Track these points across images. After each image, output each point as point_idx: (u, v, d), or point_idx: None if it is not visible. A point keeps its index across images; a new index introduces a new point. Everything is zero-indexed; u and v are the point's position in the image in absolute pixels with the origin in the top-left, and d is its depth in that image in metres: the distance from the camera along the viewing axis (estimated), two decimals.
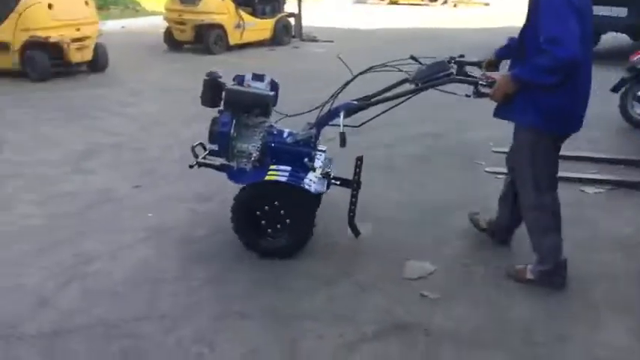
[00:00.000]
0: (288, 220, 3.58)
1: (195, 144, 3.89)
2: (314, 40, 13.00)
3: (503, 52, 3.63)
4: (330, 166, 3.89)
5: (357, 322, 3.12)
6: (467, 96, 3.35)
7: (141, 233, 4.03)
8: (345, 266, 3.66)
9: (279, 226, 3.61)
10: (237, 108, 3.69)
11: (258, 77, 3.82)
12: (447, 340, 3.00)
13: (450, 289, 3.44)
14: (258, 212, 3.59)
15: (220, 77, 3.73)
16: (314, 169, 3.66)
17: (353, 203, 3.71)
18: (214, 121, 3.71)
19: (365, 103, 3.62)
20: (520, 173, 3.42)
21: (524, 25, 3.21)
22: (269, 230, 3.63)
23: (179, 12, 11.70)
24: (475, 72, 3.53)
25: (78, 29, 8.99)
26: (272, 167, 3.58)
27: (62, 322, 3.08)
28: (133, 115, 6.98)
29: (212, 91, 3.73)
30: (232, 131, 3.67)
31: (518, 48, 3.30)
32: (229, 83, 3.79)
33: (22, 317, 3.11)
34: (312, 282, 3.49)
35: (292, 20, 13.41)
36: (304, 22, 13.63)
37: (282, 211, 3.58)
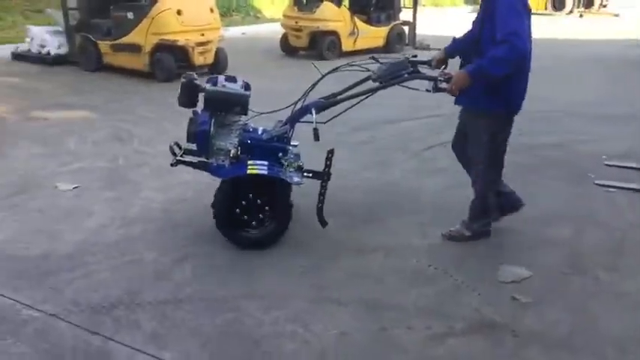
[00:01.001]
0: (268, 212, 3.84)
1: (171, 143, 4.06)
2: (426, 48, 13.03)
3: (451, 50, 3.96)
4: (299, 160, 3.97)
5: (446, 317, 3.21)
6: (427, 91, 3.54)
7: None
8: (444, 264, 3.76)
9: (258, 218, 3.84)
10: (216, 107, 3.86)
11: (231, 78, 4.01)
12: (535, 342, 3.02)
13: (543, 295, 3.44)
14: (240, 204, 3.79)
15: (196, 79, 3.88)
16: (289, 164, 3.84)
17: (322, 194, 3.86)
18: (191, 120, 3.89)
19: (332, 100, 3.85)
20: (477, 156, 3.83)
21: (479, 27, 3.57)
22: (252, 222, 3.85)
23: (296, 19, 12.18)
24: (427, 70, 3.86)
25: (202, 34, 9.60)
26: (249, 162, 3.74)
27: (175, 293, 3.43)
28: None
29: (189, 93, 3.86)
30: (211, 130, 3.84)
31: (473, 48, 3.63)
32: (204, 85, 3.93)
33: (141, 287, 3.49)
34: (408, 278, 3.62)
35: (407, 28, 13.53)
36: (421, 31, 13.68)
37: (262, 203, 3.82)
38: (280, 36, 12.75)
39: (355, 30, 12.17)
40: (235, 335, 3.06)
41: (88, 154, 5.92)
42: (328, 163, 3.86)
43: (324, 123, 3.76)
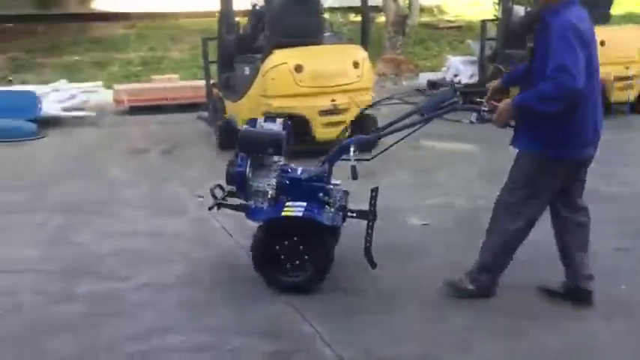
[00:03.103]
0: (306, 256, 3.64)
1: (213, 186, 4.04)
2: None
3: (509, 79, 3.72)
4: (346, 199, 3.90)
5: None
6: (471, 122, 3.42)
7: None
8: None
9: (297, 262, 3.66)
10: (249, 148, 3.84)
11: (271, 119, 4.04)
12: None
13: None
14: (277, 247, 3.64)
15: (234, 122, 3.84)
16: (329, 204, 3.72)
17: (369, 234, 3.69)
18: (230, 162, 3.86)
19: (375, 135, 3.73)
20: (514, 191, 3.43)
21: (532, 57, 3.31)
22: (288, 266, 3.68)
23: None
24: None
25: (627, 67, 8.42)
26: (288, 204, 3.67)
27: None
28: None
29: (227, 135, 3.86)
30: (247, 171, 3.79)
31: (525, 77, 3.39)
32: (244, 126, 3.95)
33: None
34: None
35: None
36: None
37: (300, 247, 3.64)
38: None
39: None
40: None
41: (453, 189, 5.72)
42: (373, 202, 3.69)
43: (369, 160, 3.71)
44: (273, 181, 3.81)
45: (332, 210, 3.72)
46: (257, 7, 7.67)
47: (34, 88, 9.50)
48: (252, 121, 4.01)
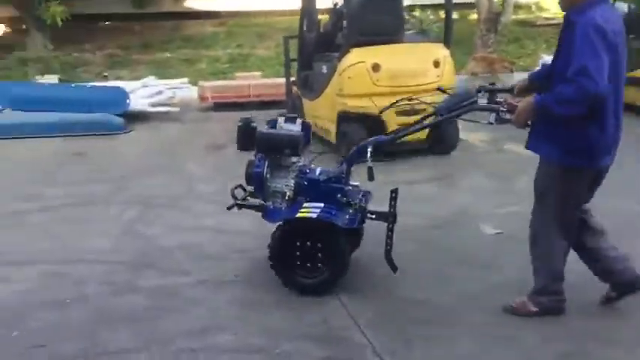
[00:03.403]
0: (321, 256, 3.61)
1: (234, 186, 3.98)
2: None
3: (536, 78, 3.49)
4: (366, 200, 3.80)
5: None
6: (489, 123, 3.25)
7: None
8: None
9: (312, 263, 3.62)
10: (266, 149, 3.82)
11: (291, 119, 3.96)
12: None
13: None
14: (292, 248, 3.62)
15: (253, 122, 3.69)
16: (349, 205, 3.65)
17: (389, 237, 3.61)
18: (249, 163, 3.85)
19: (393, 137, 3.66)
20: (543, 201, 3.30)
21: (555, 56, 3.15)
22: (303, 267, 3.64)
23: None
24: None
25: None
26: (305, 204, 3.64)
27: None
28: None
29: (245, 136, 3.75)
30: (265, 172, 3.77)
31: (547, 77, 3.23)
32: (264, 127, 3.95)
33: None
34: None
35: None
36: None
37: (315, 248, 3.61)
38: None
39: None
40: None
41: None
42: (393, 203, 3.62)
43: (387, 160, 3.71)
44: (292, 182, 3.81)
45: (350, 211, 3.65)
46: (338, 5, 7.64)
47: (125, 84, 9.94)
48: (273, 122, 4.01)
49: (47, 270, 4.19)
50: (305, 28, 8.07)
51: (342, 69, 6.79)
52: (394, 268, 3.65)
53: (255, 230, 4.44)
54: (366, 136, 7.05)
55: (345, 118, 6.80)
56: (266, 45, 14.82)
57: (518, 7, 16.45)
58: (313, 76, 7.71)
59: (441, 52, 7.10)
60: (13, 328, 3.46)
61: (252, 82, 10.50)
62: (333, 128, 6.94)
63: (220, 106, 9.94)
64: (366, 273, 3.98)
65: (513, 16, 15.66)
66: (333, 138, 6.99)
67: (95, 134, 8.22)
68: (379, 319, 3.46)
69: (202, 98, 10.14)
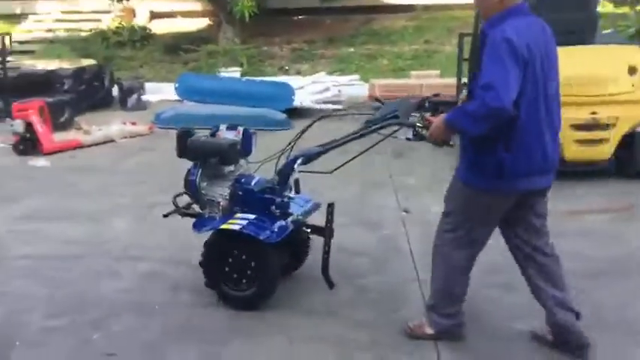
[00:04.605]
0: (249, 271, 3.48)
1: (178, 193, 3.93)
2: None
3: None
4: (309, 213, 3.68)
5: None
6: (407, 139, 3.21)
7: None
8: None
9: (241, 276, 3.51)
10: (196, 157, 3.76)
11: (232, 127, 3.87)
12: None
13: None
14: (221, 261, 3.53)
15: (189, 130, 3.82)
16: (286, 216, 3.48)
17: (326, 252, 3.54)
18: (188, 171, 3.80)
19: (324, 148, 3.55)
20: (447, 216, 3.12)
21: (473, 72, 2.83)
22: (232, 280, 3.54)
23: None
24: None
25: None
26: (237, 215, 3.52)
27: None
28: None
29: (181, 143, 3.79)
30: (198, 180, 3.68)
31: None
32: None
33: None
34: None
35: None
36: None
37: (243, 261, 3.50)
38: None
39: None
40: None
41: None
42: (329, 217, 3.55)
43: (330, 173, 3.60)
44: (226, 192, 3.72)
45: (282, 224, 3.47)
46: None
47: (296, 79, 9.96)
48: (214, 130, 3.94)
49: (151, 269, 4.18)
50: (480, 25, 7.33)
51: None
52: (331, 285, 3.59)
53: (378, 253, 3.99)
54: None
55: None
56: (455, 41, 13.99)
57: None
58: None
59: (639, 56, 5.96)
60: (98, 329, 3.45)
61: (427, 81, 9.88)
62: None
63: None
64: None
65: None
66: None
67: (258, 129, 8.25)
68: None
69: (372, 96, 9.81)
